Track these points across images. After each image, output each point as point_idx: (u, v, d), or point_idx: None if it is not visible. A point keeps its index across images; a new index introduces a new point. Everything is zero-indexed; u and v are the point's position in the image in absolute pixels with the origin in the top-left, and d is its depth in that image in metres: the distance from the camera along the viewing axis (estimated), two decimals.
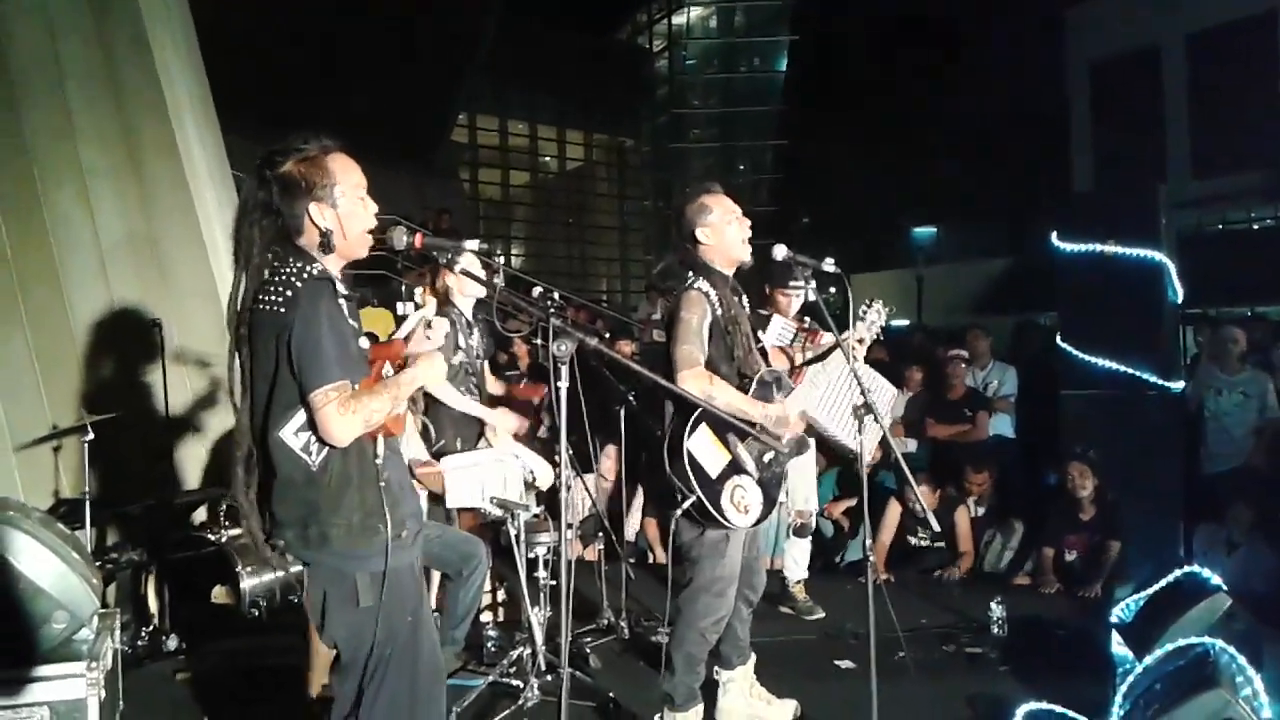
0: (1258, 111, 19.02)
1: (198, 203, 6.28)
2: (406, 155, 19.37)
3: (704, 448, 3.73)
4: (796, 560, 5.92)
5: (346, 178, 2.68)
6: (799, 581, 5.94)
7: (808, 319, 5.15)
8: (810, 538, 5.92)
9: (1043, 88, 22.44)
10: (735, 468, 3.78)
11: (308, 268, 2.58)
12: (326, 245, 2.64)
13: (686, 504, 3.69)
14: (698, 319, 3.76)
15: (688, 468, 3.68)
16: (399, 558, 2.65)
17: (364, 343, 2.71)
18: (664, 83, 35.46)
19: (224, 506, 5.28)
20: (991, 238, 23.33)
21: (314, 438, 2.56)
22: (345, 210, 2.67)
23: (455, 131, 27.36)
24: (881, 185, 27.22)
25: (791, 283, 5.24)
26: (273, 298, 2.54)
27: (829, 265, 3.76)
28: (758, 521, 3.86)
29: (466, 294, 4.85)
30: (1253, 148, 18.98)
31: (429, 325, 2.85)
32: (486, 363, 5.09)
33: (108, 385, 5.89)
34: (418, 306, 2.87)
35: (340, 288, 2.66)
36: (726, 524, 3.73)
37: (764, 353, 4.06)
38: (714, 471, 3.73)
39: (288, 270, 2.57)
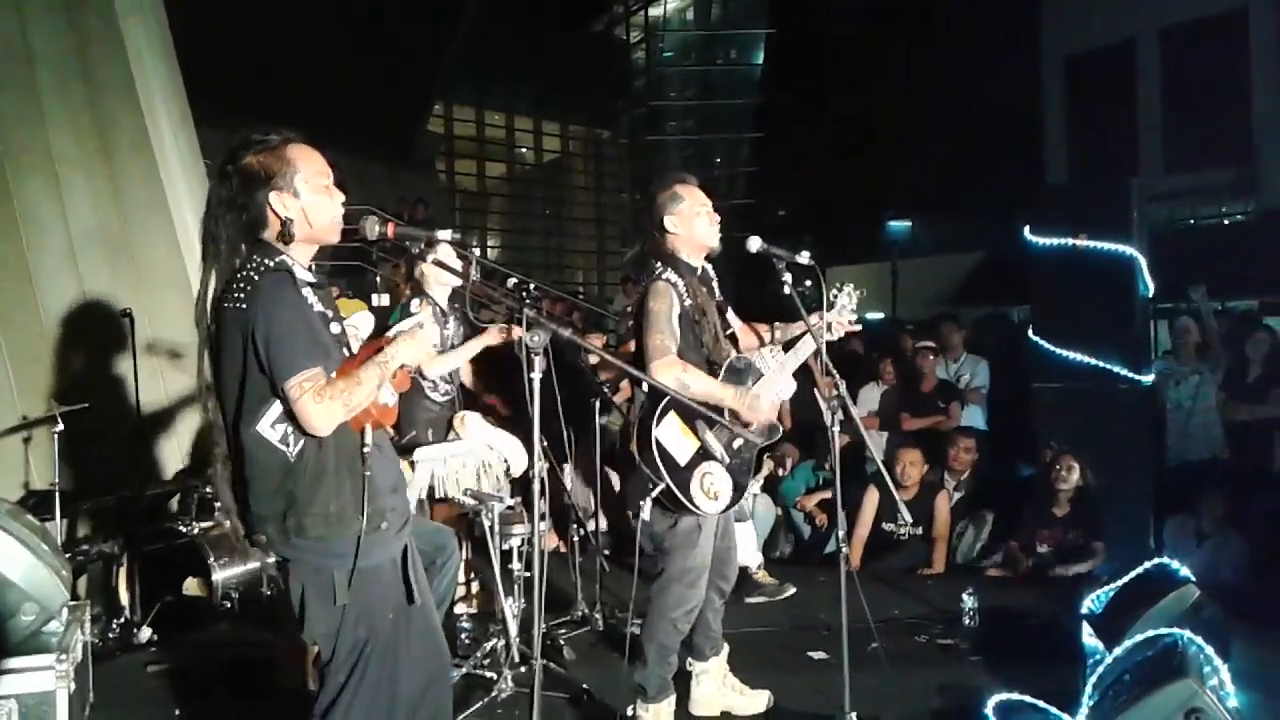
0: (1230, 107, 19.17)
1: (169, 193, 6.24)
2: (382, 145, 19.28)
3: (672, 435, 3.74)
4: (744, 547, 5.86)
5: (307, 166, 2.66)
6: (760, 565, 5.95)
7: None
8: (750, 521, 5.91)
9: (1017, 81, 22.51)
10: (704, 454, 3.79)
11: (265, 260, 2.57)
12: (285, 235, 2.62)
13: (655, 491, 3.69)
14: (666, 308, 3.76)
15: (656, 456, 3.69)
16: (379, 553, 2.64)
17: (335, 327, 2.69)
18: (641, 75, 35.33)
19: (195, 498, 5.27)
20: (965, 231, 23.39)
21: (291, 429, 2.55)
22: (308, 198, 2.65)
23: (431, 121, 27.24)
24: (857, 178, 27.25)
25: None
26: (236, 294, 2.54)
27: (804, 258, 3.77)
28: (727, 508, 3.87)
29: (441, 283, 4.85)
30: (1225, 143, 19.13)
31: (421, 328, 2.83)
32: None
33: (78, 376, 5.84)
34: (410, 313, 2.87)
35: (303, 275, 2.64)
36: (696, 511, 3.74)
37: (734, 339, 4.07)
38: (683, 459, 3.74)
39: (250, 265, 2.57)
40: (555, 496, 6.41)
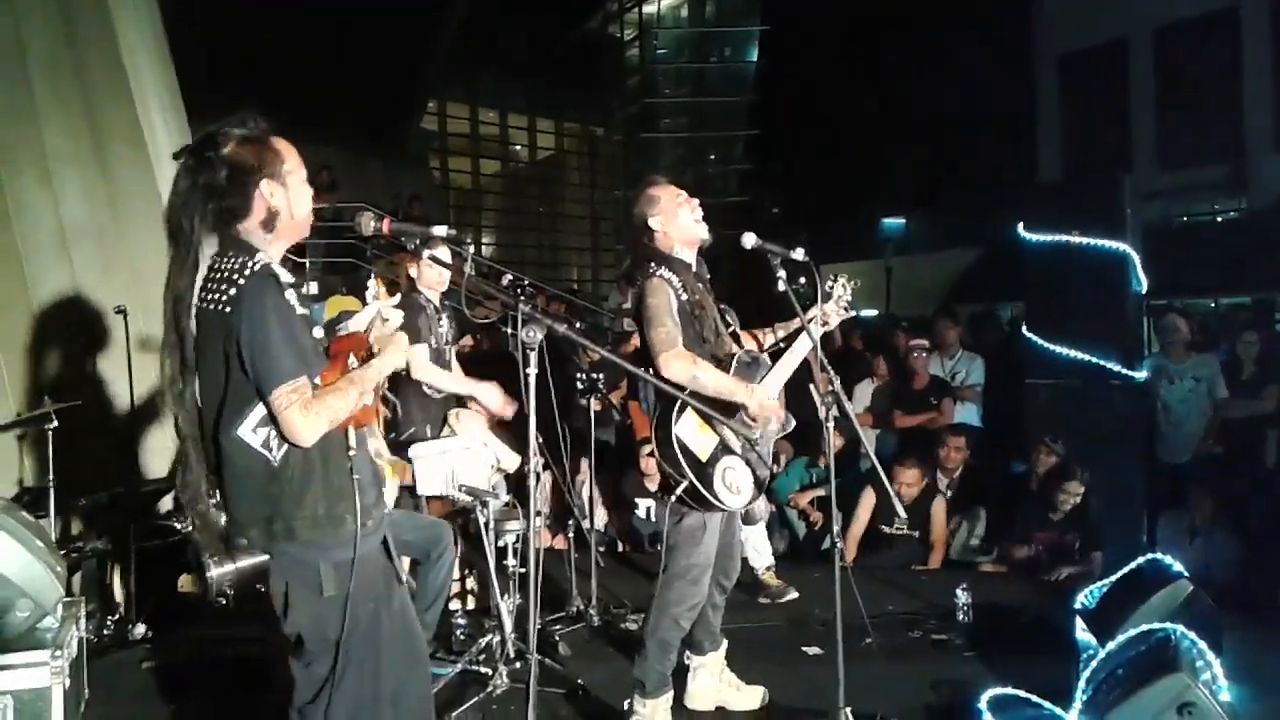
0: (1223, 105, 19.24)
1: (162, 188, 6.20)
2: (375, 142, 19.24)
3: (691, 432, 3.72)
4: (757, 548, 5.85)
5: (292, 157, 2.66)
6: (769, 568, 5.91)
7: None
8: (763, 523, 5.87)
9: (1011, 79, 22.57)
10: (724, 448, 3.78)
11: (249, 262, 2.53)
12: (270, 224, 2.60)
13: (679, 489, 3.68)
14: (665, 301, 3.75)
15: (678, 453, 3.67)
16: (361, 546, 2.62)
17: (318, 333, 2.67)
18: (635, 72, 35.33)
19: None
20: (959, 228, 23.45)
21: (274, 433, 2.52)
22: (294, 189, 2.65)
23: (425, 119, 27.18)
24: (851, 176, 27.32)
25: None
26: (216, 296, 2.50)
27: (798, 254, 3.77)
28: (749, 501, 3.85)
29: (436, 280, 4.82)
30: (1217, 141, 19.20)
31: (385, 319, 2.81)
32: (454, 349, 5.07)
33: (72, 373, 5.82)
34: (373, 298, 2.85)
35: (285, 276, 2.59)
36: (721, 506, 3.73)
37: (735, 336, 4.06)
38: (704, 455, 3.72)
39: (229, 265, 2.53)
40: (550, 493, 6.43)
